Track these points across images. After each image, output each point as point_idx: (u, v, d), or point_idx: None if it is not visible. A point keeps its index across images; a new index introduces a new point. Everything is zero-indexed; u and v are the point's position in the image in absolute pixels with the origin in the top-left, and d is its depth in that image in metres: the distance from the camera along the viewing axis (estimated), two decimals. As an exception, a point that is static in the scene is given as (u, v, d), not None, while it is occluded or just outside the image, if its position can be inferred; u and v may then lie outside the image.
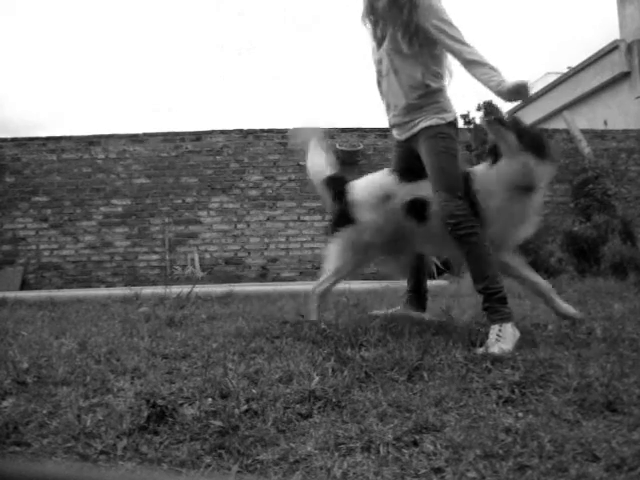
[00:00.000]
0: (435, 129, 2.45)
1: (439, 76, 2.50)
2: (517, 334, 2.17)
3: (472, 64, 2.31)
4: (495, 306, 2.24)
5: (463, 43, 2.34)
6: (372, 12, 2.60)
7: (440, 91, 2.49)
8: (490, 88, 2.28)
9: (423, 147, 2.47)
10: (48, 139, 7.57)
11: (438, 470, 1.13)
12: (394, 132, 2.69)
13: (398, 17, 2.45)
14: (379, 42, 2.62)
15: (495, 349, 2.02)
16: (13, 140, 7.55)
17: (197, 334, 2.50)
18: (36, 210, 7.44)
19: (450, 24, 2.37)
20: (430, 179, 2.45)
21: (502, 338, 2.11)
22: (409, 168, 2.59)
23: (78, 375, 1.80)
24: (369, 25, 2.65)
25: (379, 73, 2.65)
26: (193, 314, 3.17)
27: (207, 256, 7.45)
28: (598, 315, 2.70)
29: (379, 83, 2.68)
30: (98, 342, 2.33)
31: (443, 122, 2.45)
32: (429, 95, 2.47)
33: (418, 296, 2.82)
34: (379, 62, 2.62)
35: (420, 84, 2.47)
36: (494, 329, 2.17)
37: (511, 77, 2.24)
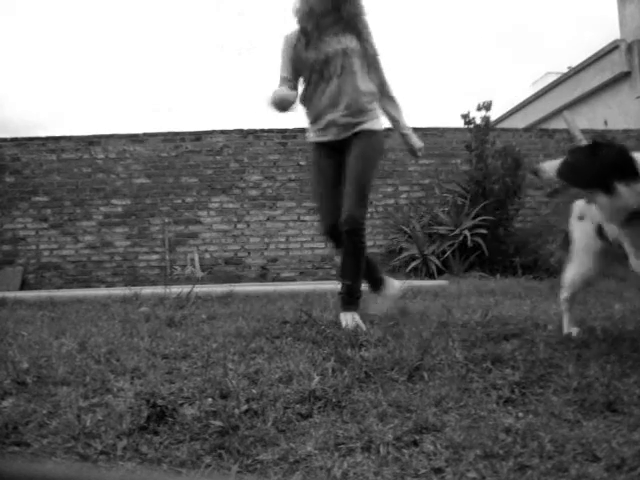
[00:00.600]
0: (376, 134, 2.58)
1: None
2: (357, 317, 2.57)
3: (391, 99, 2.68)
4: (353, 300, 2.62)
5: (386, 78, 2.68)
6: (311, 14, 2.57)
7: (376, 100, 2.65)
8: (396, 127, 2.71)
9: (358, 147, 2.54)
10: (48, 139, 7.56)
11: (438, 470, 1.13)
12: (329, 133, 2.62)
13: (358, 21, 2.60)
14: (318, 41, 2.58)
15: (346, 323, 2.50)
16: (13, 140, 7.55)
17: (197, 334, 2.50)
18: (36, 210, 7.44)
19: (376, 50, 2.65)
20: (349, 178, 2.52)
21: (351, 320, 2.52)
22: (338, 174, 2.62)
23: (78, 375, 1.80)
24: (310, 24, 2.59)
25: (320, 73, 2.58)
26: (193, 314, 3.17)
27: (207, 256, 7.45)
28: (598, 315, 2.70)
29: (322, 80, 2.59)
30: (98, 342, 2.33)
31: (382, 129, 2.60)
32: (372, 102, 2.62)
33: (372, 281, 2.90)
34: (325, 61, 2.55)
35: (372, 90, 2.61)
36: (346, 316, 2.56)
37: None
